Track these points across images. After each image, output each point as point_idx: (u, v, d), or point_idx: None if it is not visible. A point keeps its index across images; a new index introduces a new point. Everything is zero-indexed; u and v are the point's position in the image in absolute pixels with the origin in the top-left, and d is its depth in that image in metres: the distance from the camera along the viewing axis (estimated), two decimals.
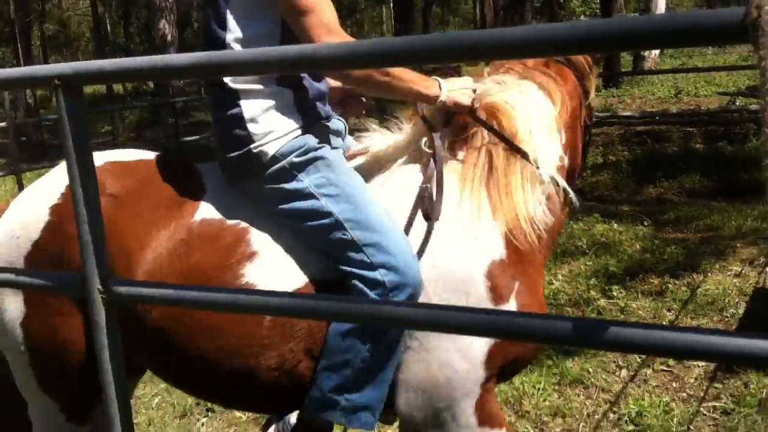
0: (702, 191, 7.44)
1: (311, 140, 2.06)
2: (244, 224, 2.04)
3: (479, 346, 2.00)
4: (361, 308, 1.47)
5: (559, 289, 5.02)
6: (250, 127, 2.01)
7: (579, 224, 6.55)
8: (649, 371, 3.80)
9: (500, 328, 1.40)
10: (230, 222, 2.04)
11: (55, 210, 2.01)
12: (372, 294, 1.94)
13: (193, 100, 16.31)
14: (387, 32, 46.23)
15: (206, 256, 1.99)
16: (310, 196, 2.01)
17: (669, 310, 4.53)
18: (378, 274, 1.95)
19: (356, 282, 1.97)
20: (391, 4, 37.12)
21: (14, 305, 2.02)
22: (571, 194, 2.25)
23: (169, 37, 17.42)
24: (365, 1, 42.56)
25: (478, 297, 1.99)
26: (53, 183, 2.10)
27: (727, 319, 4.29)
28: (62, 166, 1.81)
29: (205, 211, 2.05)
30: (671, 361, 3.86)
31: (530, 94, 2.28)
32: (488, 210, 2.10)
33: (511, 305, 2.04)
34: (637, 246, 5.80)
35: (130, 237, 1.99)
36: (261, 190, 2.05)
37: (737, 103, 12.25)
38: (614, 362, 3.94)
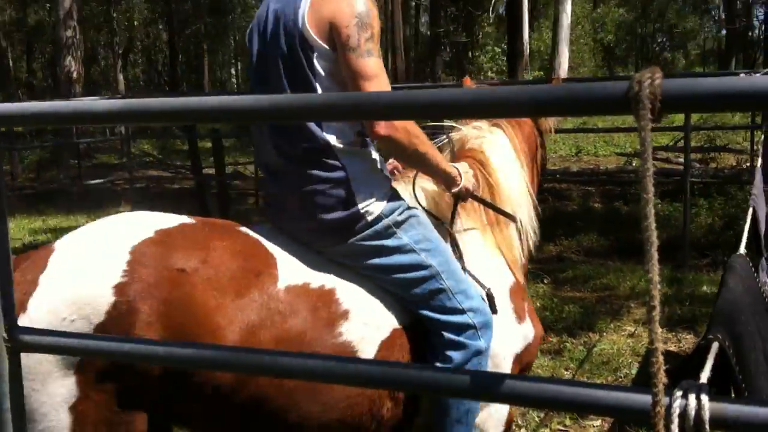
0: (599, 250, 7.72)
1: (403, 200, 2.29)
2: (329, 285, 2.14)
3: (507, 364, 2.43)
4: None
5: None
6: (355, 188, 2.14)
7: None
8: (546, 431, 3.88)
9: (402, 380, 1.44)
10: (315, 285, 2.11)
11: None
12: (461, 337, 2.19)
13: (97, 142, 15.92)
14: None
15: (301, 322, 2.04)
16: (411, 251, 2.19)
17: (566, 369, 4.65)
18: (468, 318, 2.21)
19: (445, 326, 2.20)
20: None
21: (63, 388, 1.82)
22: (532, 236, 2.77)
23: (74, 75, 17.03)
24: None
25: (508, 317, 2.43)
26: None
27: (621, 379, 4.44)
28: None
29: (287, 277, 2.09)
30: (568, 421, 3.97)
31: (500, 140, 2.74)
32: (498, 253, 2.58)
33: (527, 323, 2.47)
34: (538, 304, 5.95)
35: (214, 313, 1.93)
36: (355, 248, 2.18)
37: (633, 164, 12.85)
38: (513, 421, 4.00)
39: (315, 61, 2.10)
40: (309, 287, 2.10)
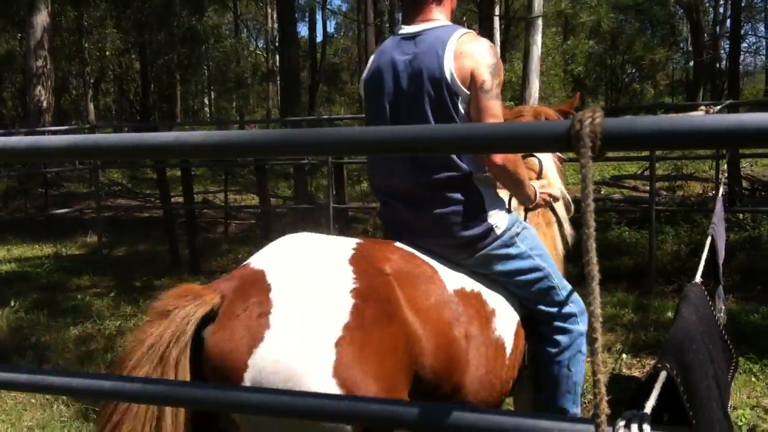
0: (566, 277, 7.81)
1: (516, 215, 2.80)
2: (476, 289, 2.56)
3: None
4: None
5: None
6: (488, 208, 2.60)
7: None
8: None
9: (344, 412, 1.45)
10: (468, 289, 2.52)
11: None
12: (567, 323, 2.72)
13: (65, 171, 15.78)
14: (273, 108, 46.57)
15: (470, 320, 2.42)
16: (528, 257, 2.65)
17: None
18: (570, 308, 2.74)
19: (555, 317, 2.72)
20: (278, 81, 37.61)
21: None
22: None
23: (44, 104, 16.91)
24: (251, 76, 42.76)
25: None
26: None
27: (585, 405, 4.47)
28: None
29: (449, 282, 2.46)
30: None
31: (549, 156, 3.41)
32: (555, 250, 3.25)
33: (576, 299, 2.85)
34: None
35: (419, 312, 2.25)
36: (486, 258, 2.59)
37: (601, 192, 13.01)
38: None
39: (459, 105, 2.49)
40: (465, 291, 2.50)
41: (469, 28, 2.74)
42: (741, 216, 8.85)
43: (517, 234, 2.67)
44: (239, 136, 1.47)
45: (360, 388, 1.91)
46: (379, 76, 2.63)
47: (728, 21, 28.61)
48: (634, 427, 1.28)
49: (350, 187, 16.12)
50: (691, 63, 39.59)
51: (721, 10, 37.40)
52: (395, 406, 1.44)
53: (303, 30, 57.08)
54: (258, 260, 2.18)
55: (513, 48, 34.37)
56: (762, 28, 42.97)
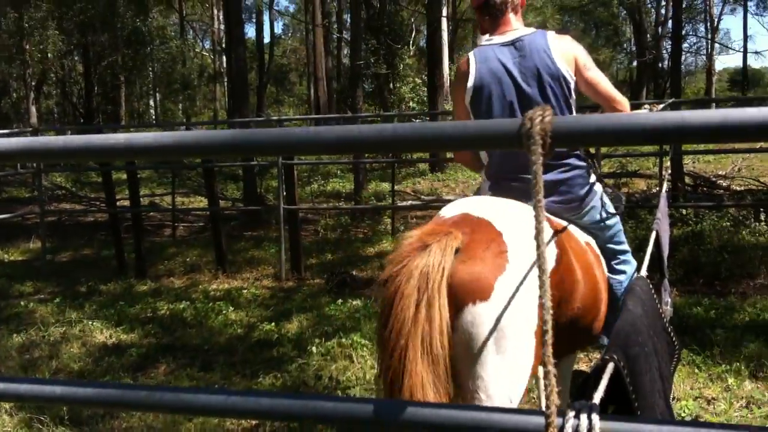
0: None
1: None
2: (588, 239, 3.08)
3: None
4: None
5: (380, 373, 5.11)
6: (591, 178, 3.18)
7: None
8: None
9: (302, 412, 1.45)
10: (585, 240, 3.03)
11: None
12: (627, 256, 3.31)
13: (6, 176, 15.39)
14: (220, 109, 46.06)
15: (598, 264, 2.99)
16: (612, 214, 3.24)
17: None
18: (627, 246, 3.34)
19: (622, 253, 3.28)
20: (225, 82, 37.20)
21: None
22: None
23: None
24: (198, 77, 42.25)
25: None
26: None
27: (534, 400, 4.53)
28: None
29: (579, 236, 3.00)
30: None
31: None
32: None
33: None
34: None
35: (578, 259, 2.81)
36: (588, 213, 3.13)
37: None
38: None
39: (572, 90, 3.04)
40: (587, 241, 3.04)
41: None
42: (684, 212, 9.06)
43: (603, 195, 3.25)
44: (191, 137, 1.45)
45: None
46: (493, 78, 3.06)
47: (670, 22, 29.28)
48: (584, 418, 1.30)
49: (300, 189, 16.07)
50: (635, 63, 40.41)
51: (663, 11, 38.24)
52: (351, 404, 1.44)
53: (250, 31, 56.59)
54: (475, 209, 2.62)
55: (461, 50, 34.63)
56: (702, 29, 44.05)
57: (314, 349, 5.58)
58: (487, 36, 3.19)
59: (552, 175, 3.02)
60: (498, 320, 2.29)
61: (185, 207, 14.30)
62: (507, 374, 2.32)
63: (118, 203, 10.66)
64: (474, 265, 2.34)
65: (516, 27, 3.14)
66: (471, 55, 3.18)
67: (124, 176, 14.88)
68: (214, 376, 5.32)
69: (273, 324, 6.34)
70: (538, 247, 1.22)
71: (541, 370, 1.87)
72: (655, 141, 1.27)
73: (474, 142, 1.33)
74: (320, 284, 8.11)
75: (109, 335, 6.47)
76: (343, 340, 5.71)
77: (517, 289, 2.34)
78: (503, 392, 2.32)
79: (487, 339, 2.31)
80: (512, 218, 2.57)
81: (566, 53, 3.04)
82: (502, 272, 2.34)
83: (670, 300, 3.56)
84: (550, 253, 2.57)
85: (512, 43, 3.07)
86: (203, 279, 8.80)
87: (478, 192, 3.38)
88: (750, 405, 4.32)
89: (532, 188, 1.23)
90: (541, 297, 1.23)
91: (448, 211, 2.68)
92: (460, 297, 2.29)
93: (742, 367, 4.76)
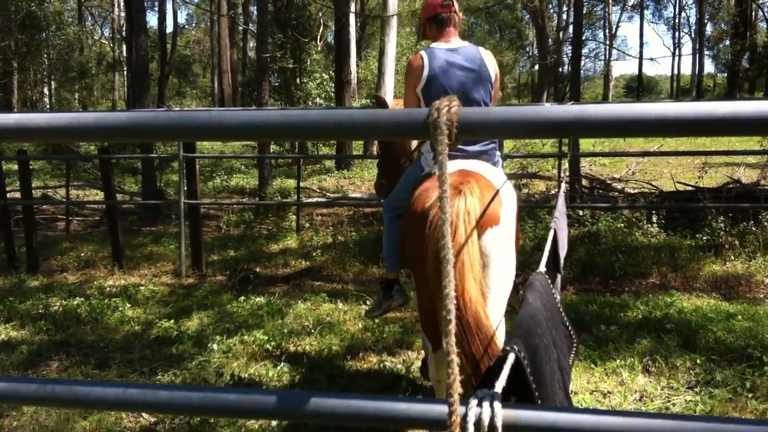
0: None
1: None
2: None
3: None
4: None
5: (283, 370, 5.07)
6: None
7: (306, 304, 6.69)
8: None
9: (202, 405, 1.42)
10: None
11: None
12: None
13: None
14: (119, 100, 44.64)
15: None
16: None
17: (386, 387, 4.74)
18: None
19: None
20: (125, 71, 36.07)
21: None
22: None
23: None
24: (96, 66, 40.82)
25: None
26: None
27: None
28: None
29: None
30: None
31: None
32: None
33: None
34: (360, 325, 6.05)
35: None
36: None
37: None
38: None
39: (491, 92, 3.89)
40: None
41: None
42: (581, 212, 9.37)
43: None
44: (86, 118, 1.39)
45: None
46: (443, 73, 3.87)
47: (571, 27, 30.22)
48: (486, 406, 1.32)
49: (203, 183, 15.75)
50: (536, 67, 41.56)
51: (564, 16, 39.47)
52: (253, 396, 1.41)
53: (152, 20, 55.08)
54: (466, 167, 3.52)
55: (369, 46, 34.77)
56: (601, 35, 45.69)
57: (215, 346, 5.47)
58: (434, 43, 4.06)
59: (479, 147, 3.87)
60: (504, 238, 3.31)
61: (80, 200, 13.78)
62: (507, 274, 3.39)
63: (8, 195, 10.15)
64: (488, 202, 3.30)
65: (455, 38, 4.04)
66: (423, 53, 4.00)
67: (15, 167, 14.22)
68: (110, 373, 5.14)
69: (172, 321, 6.18)
70: (442, 237, 1.23)
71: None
72: (556, 134, 1.30)
73: (383, 131, 1.32)
74: (222, 281, 7.97)
75: None
76: (246, 337, 5.62)
77: (509, 217, 3.36)
78: (505, 286, 3.39)
79: (499, 251, 3.31)
80: (491, 172, 3.57)
81: (492, 65, 3.96)
82: (502, 207, 3.33)
83: (559, 297, 3.66)
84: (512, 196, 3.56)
85: (454, 50, 3.95)
86: (99, 275, 8.49)
87: (420, 161, 4.11)
88: (643, 398, 4.50)
89: (439, 177, 1.24)
90: (445, 287, 1.24)
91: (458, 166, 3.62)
92: (483, 225, 3.23)
93: (636, 362, 4.95)
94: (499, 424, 1.31)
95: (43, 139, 1.43)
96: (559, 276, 3.49)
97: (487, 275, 3.34)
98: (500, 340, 3.47)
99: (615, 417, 1.31)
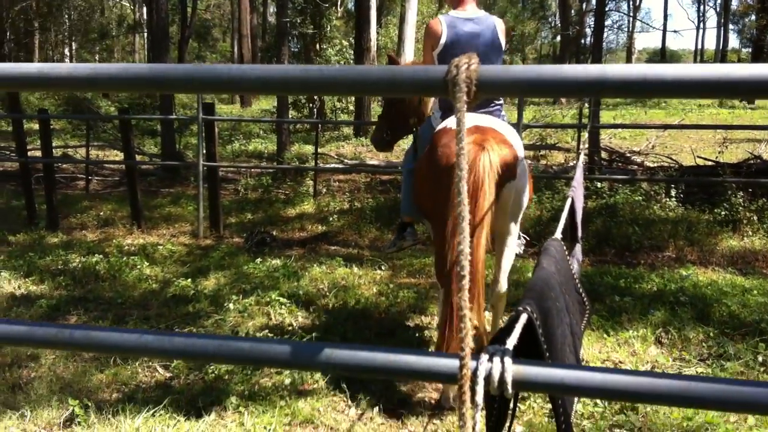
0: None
1: None
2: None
3: None
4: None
5: (298, 331, 5.13)
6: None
7: (322, 268, 6.74)
8: (375, 410, 3.98)
9: (218, 352, 1.45)
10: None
11: None
12: None
13: None
14: (139, 62, 44.63)
15: None
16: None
17: None
18: None
19: None
20: (145, 34, 36.01)
21: None
22: None
23: None
24: (117, 27, 40.83)
25: None
26: None
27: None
28: None
29: None
30: (396, 400, 4.09)
31: None
32: None
33: None
34: (374, 289, 6.09)
35: None
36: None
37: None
38: (344, 401, 4.08)
39: (502, 60, 4.30)
40: None
41: None
42: (599, 185, 9.32)
43: None
44: (107, 69, 1.40)
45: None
46: (459, 39, 4.21)
47: None
48: (497, 361, 1.34)
49: (221, 147, 15.80)
50: (558, 38, 41.09)
51: None
52: (269, 345, 1.44)
53: None
54: (479, 122, 3.88)
55: (389, 13, 34.51)
56: (625, 6, 45.03)
57: (231, 305, 5.53)
58: (452, 10, 4.38)
59: (487, 108, 4.26)
60: (519, 189, 3.84)
61: (100, 160, 13.87)
62: (519, 221, 4.05)
63: (28, 153, 10.24)
64: (506, 157, 3.68)
65: (472, 6, 4.38)
66: (441, 19, 4.36)
67: (36, 127, 14.31)
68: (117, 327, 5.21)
69: (189, 280, 6.24)
70: (458, 194, 1.24)
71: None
72: (576, 93, 1.29)
73: (401, 87, 1.33)
74: (239, 243, 8.03)
75: (17, 285, 6.26)
76: (261, 298, 5.68)
77: (523, 170, 3.87)
78: (517, 231, 4.10)
79: (515, 200, 3.86)
80: (504, 127, 3.95)
81: (504, 36, 4.30)
82: (517, 161, 3.77)
83: (579, 268, 3.66)
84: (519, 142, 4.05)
85: (471, 19, 4.29)
86: (117, 233, 8.58)
87: (429, 121, 4.55)
88: (655, 369, 4.51)
89: (456, 135, 1.24)
90: (460, 243, 1.25)
91: (453, 123, 3.87)
92: (502, 177, 3.62)
93: (648, 334, 4.96)
94: (509, 379, 1.32)
95: (63, 88, 1.45)
96: (578, 245, 3.49)
97: (504, 224, 3.94)
98: (504, 286, 4.21)
99: (623, 375, 1.32)
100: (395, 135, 5.19)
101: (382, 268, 6.85)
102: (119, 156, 13.39)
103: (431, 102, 4.81)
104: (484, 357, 1.36)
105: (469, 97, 1.23)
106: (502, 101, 4.47)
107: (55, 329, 1.54)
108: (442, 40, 4.23)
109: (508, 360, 1.34)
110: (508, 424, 1.72)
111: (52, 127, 11.05)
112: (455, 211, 1.24)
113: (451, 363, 1.35)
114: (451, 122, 3.94)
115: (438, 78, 1.24)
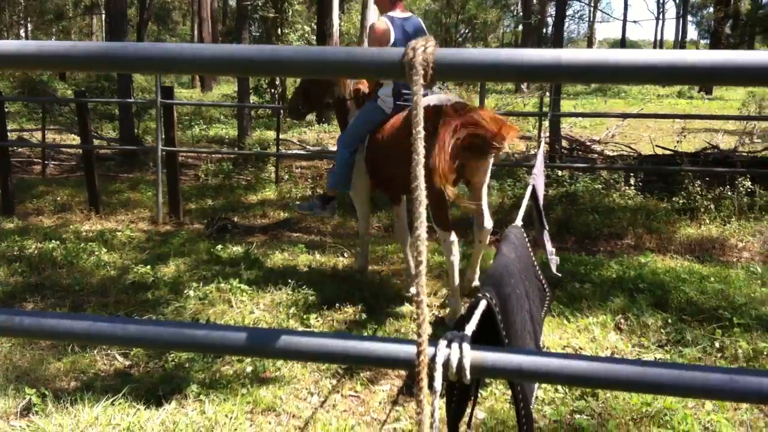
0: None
1: None
2: None
3: None
4: None
5: (259, 318, 5.09)
6: None
7: (284, 255, 6.70)
8: (338, 397, 3.98)
9: (173, 339, 1.42)
10: None
11: None
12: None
13: None
14: None
15: None
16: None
17: None
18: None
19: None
20: (103, 15, 35.35)
21: None
22: None
23: None
24: (74, 8, 39.99)
25: None
26: None
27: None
28: None
29: None
30: (359, 387, 4.09)
31: None
32: None
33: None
34: (337, 277, 6.07)
35: None
36: None
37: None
38: (306, 389, 4.07)
39: None
40: None
41: None
42: (560, 173, 9.40)
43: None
44: (56, 47, 1.36)
45: None
46: (403, 36, 5.02)
47: None
48: (455, 347, 1.33)
49: (181, 132, 15.61)
50: (520, 27, 41.30)
51: None
52: (224, 332, 1.42)
53: None
54: (455, 99, 4.78)
55: None
56: None
57: (191, 293, 5.47)
58: (390, 11, 5.17)
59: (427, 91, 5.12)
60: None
61: (56, 144, 13.59)
62: None
63: None
64: (493, 125, 4.37)
65: (402, 9, 5.24)
66: (386, 20, 5.10)
67: None
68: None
69: (149, 267, 6.16)
70: (415, 179, 1.23)
71: None
72: (531, 78, 1.28)
73: (358, 69, 1.31)
74: (199, 230, 7.94)
75: None
76: (222, 285, 5.62)
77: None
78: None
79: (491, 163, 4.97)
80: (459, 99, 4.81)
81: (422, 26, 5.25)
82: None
83: (554, 250, 3.69)
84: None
85: (407, 19, 5.16)
86: (75, 219, 8.43)
87: (376, 103, 5.30)
88: (614, 355, 4.57)
89: (413, 118, 1.24)
90: (417, 228, 1.24)
91: (435, 100, 4.70)
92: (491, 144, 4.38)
93: (608, 320, 5.02)
94: (467, 365, 1.32)
95: (11, 66, 1.40)
96: (545, 231, 3.51)
97: (484, 178, 5.09)
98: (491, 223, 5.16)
99: (581, 361, 1.32)
100: (309, 108, 6.27)
101: (345, 255, 6.83)
102: (76, 140, 13.14)
103: (349, 85, 5.69)
104: (443, 343, 1.35)
105: (426, 80, 1.22)
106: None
107: (3, 316, 1.50)
108: (392, 38, 4.87)
109: (466, 346, 1.34)
110: (469, 410, 1.72)
111: (6, 110, 10.78)
112: (415, 193, 1.23)
113: (409, 349, 1.34)
114: (434, 99, 4.71)
115: (394, 60, 1.22)
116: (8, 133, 10.01)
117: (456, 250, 4.85)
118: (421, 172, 1.24)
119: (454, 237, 4.85)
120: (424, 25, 5.25)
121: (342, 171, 5.44)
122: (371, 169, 5.41)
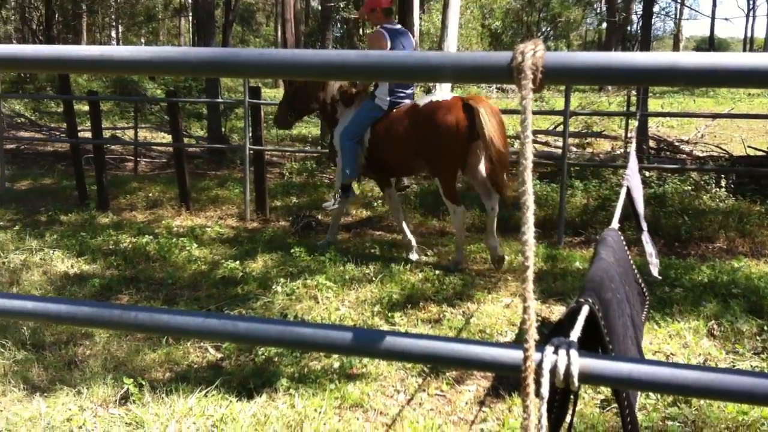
0: (481, 226, 7.94)
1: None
2: None
3: None
4: None
5: (345, 315, 5.16)
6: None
7: (367, 252, 6.75)
8: (424, 395, 4.00)
9: (280, 337, 1.46)
10: None
11: None
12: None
13: None
14: (185, 45, 45.02)
15: None
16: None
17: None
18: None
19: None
20: (190, 17, 36.33)
21: None
22: None
23: None
24: (163, 10, 41.18)
25: None
26: None
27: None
28: None
29: None
30: (444, 386, 4.09)
31: None
32: None
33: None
34: (420, 275, 6.09)
35: None
36: None
37: (515, 146, 13.21)
38: (393, 386, 4.10)
39: None
40: None
41: None
42: (648, 173, 9.17)
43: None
44: (170, 52, 1.40)
45: None
46: (400, 45, 5.98)
47: None
48: (562, 353, 1.33)
49: (266, 131, 15.89)
50: (604, 25, 40.47)
51: None
52: (330, 331, 1.44)
53: None
54: (451, 95, 5.95)
55: None
56: None
57: (279, 288, 5.58)
58: (384, 23, 6.16)
59: (410, 91, 6.34)
60: None
61: (148, 142, 14.06)
62: None
63: (79, 134, 10.42)
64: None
65: (393, 21, 6.27)
66: (383, 31, 6.10)
67: (85, 108, 14.55)
68: (178, 309, 5.30)
69: (237, 262, 6.32)
70: (523, 183, 1.22)
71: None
72: (645, 82, 1.26)
73: (465, 73, 1.31)
74: (285, 227, 8.09)
75: (70, 265, 6.40)
76: (308, 281, 5.72)
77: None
78: None
79: None
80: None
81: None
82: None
83: (655, 252, 3.61)
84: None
85: (398, 30, 6.18)
86: (166, 215, 8.71)
87: (374, 102, 6.29)
88: (707, 362, 4.44)
89: (521, 123, 1.23)
90: (524, 233, 1.24)
91: (443, 96, 6.00)
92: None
93: (700, 326, 4.88)
94: (575, 372, 1.31)
95: (126, 71, 1.45)
96: (645, 233, 3.43)
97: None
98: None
99: (692, 371, 1.29)
100: (299, 115, 7.33)
101: (428, 254, 6.84)
102: (166, 138, 13.55)
103: (333, 88, 6.70)
104: (549, 349, 1.34)
105: (535, 84, 1.21)
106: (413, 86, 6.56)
107: (119, 311, 1.57)
108: (388, 47, 5.77)
109: (574, 353, 1.32)
110: (569, 417, 1.71)
111: (100, 109, 11.21)
112: (523, 195, 1.23)
113: (515, 354, 1.34)
114: (442, 95, 6.07)
115: (502, 65, 1.21)
116: (102, 131, 10.41)
117: (462, 217, 6.31)
118: (529, 176, 1.23)
119: (462, 208, 6.30)
120: (409, 34, 6.42)
121: (351, 161, 6.44)
122: (369, 156, 6.47)
